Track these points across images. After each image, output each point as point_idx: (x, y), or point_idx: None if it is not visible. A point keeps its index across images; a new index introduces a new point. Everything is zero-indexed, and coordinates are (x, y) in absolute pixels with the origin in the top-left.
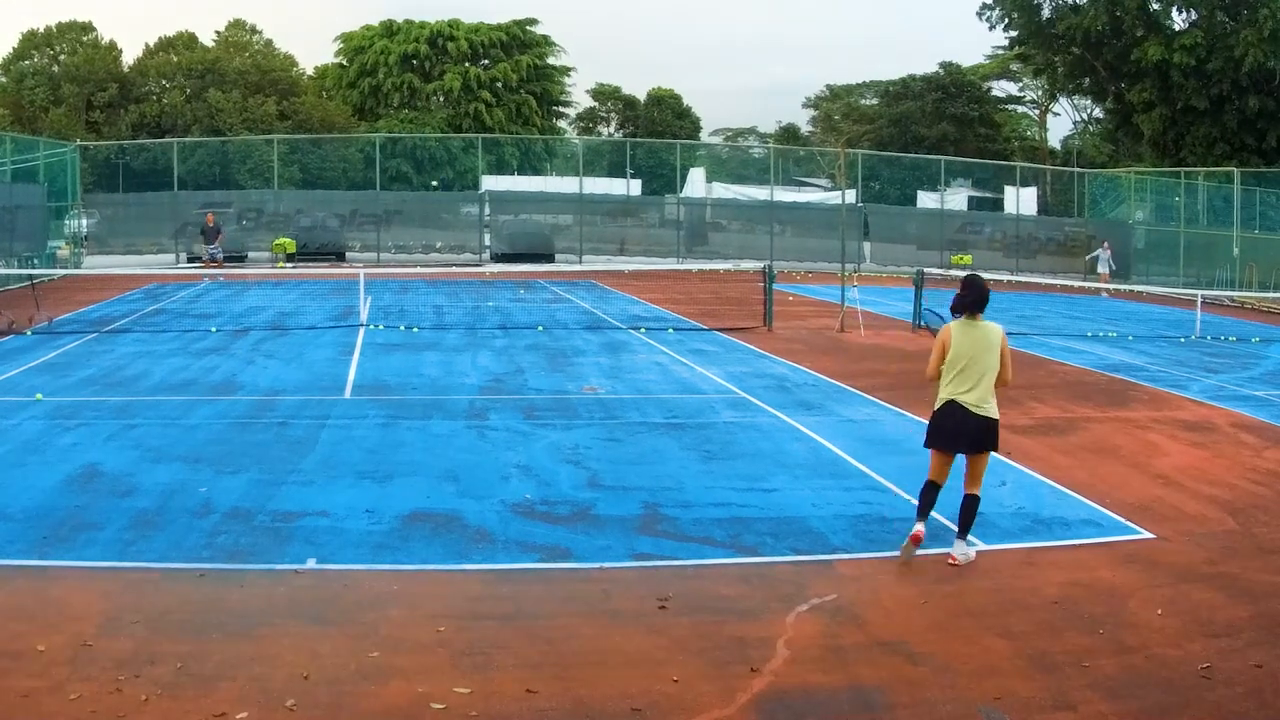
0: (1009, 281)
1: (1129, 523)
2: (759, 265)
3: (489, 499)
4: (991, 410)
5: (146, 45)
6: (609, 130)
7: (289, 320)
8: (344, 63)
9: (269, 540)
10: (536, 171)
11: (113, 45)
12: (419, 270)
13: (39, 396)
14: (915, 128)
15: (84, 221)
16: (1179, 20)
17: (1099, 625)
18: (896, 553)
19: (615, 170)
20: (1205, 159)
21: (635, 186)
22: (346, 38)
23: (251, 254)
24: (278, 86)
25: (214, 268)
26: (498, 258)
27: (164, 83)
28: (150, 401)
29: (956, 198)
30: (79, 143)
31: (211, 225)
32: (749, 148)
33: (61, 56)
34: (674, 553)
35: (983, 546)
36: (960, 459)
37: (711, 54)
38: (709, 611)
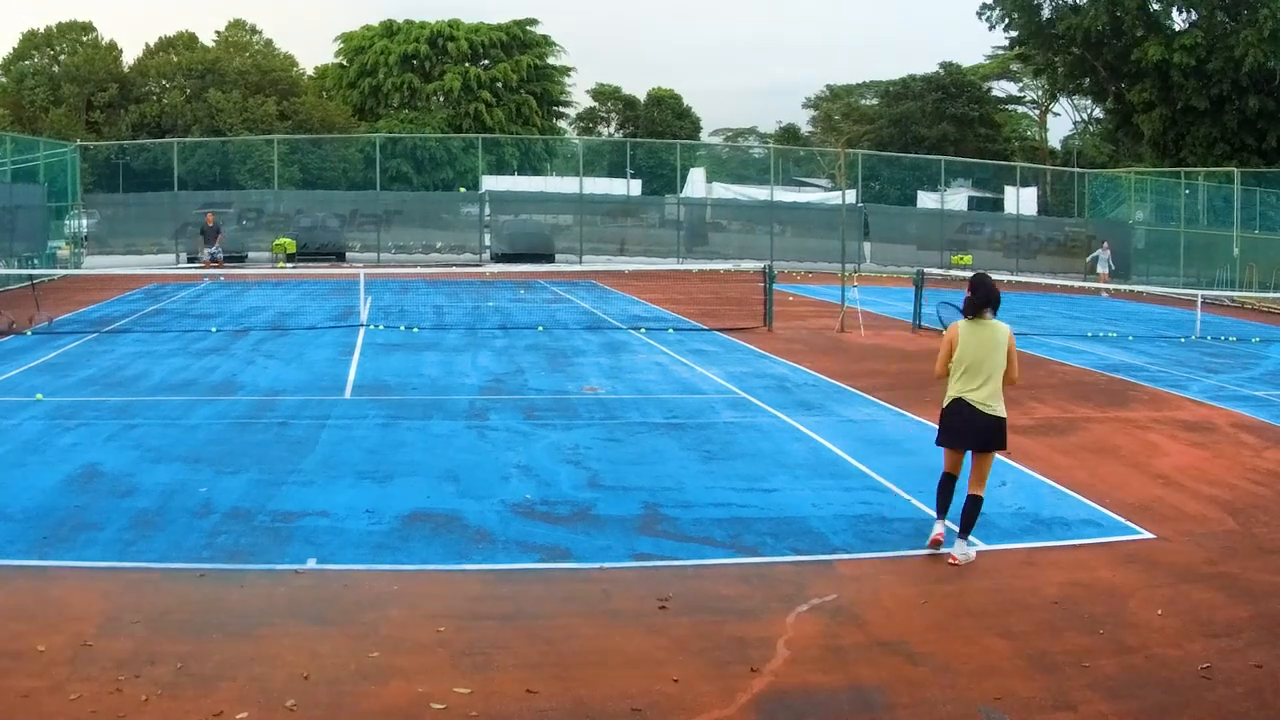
0: (1009, 282)
1: (1129, 523)
2: (759, 265)
3: (489, 499)
4: (999, 409)
5: (146, 45)
6: (609, 130)
7: (289, 320)
8: (344, 63)
9: (269, 540)
10: (536, 171)
11: (113, 45)
12: (419, 270)
13: (39, 396)
14: (915, 128)
15: (84, 221)
16: (1179, 20)
17: (1099, 625)
18: (896, 553)
19: (615, 170)
20: (1205, 159)
21: (635, 186)
22: (346, 38)
23: (251, 254)
24: (278, 86)
25: (214, 268)
26: (498, 258)
27: (164, 83)
28: (150, 401)
29: (956, 198)
30: (79, 143)
31: (211, 225)
32: (749, 148)
33: (61, 57)
34: (674, 553)
35: (983, 546)
36: (969, 456)
37: (711, 54)
38: (709, 611)
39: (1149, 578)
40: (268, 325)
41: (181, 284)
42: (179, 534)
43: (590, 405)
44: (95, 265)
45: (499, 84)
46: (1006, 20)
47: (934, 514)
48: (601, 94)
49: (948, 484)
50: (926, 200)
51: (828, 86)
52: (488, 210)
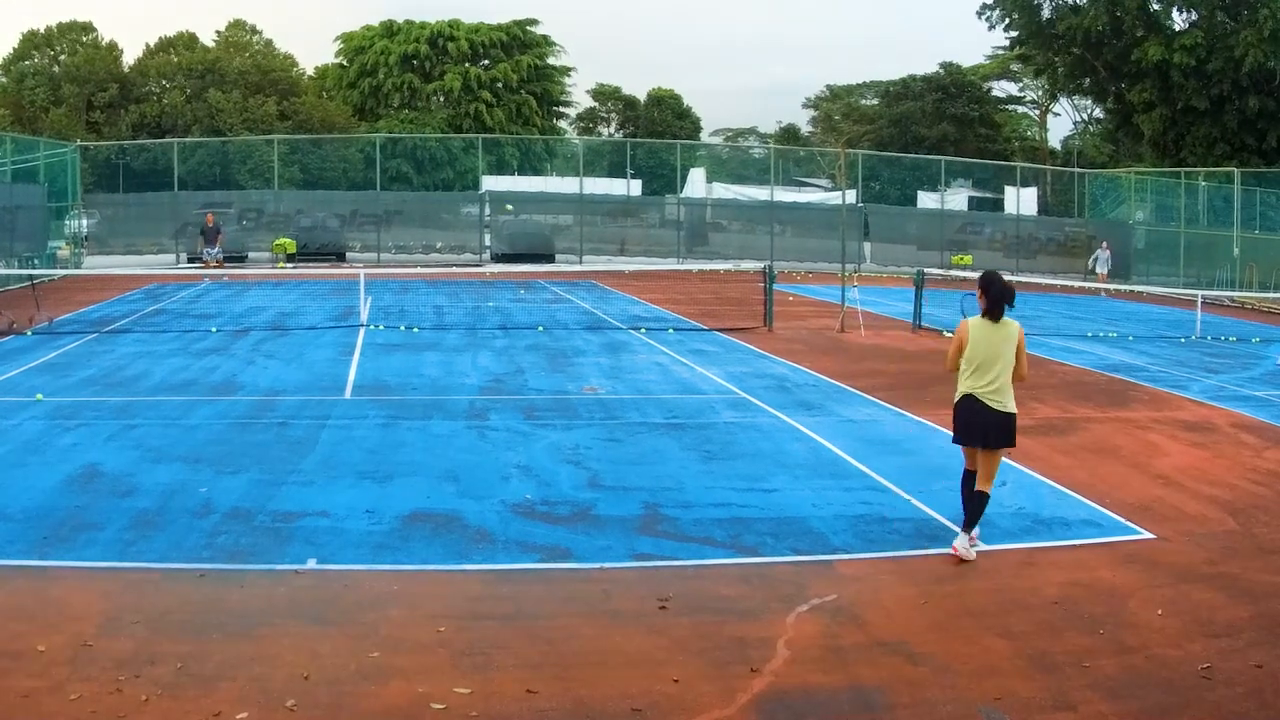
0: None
1: (1129, 523)
2: (759, 265)
3: (489, 499)
4: (1009, 404)
5: (147, 45)
6: (609, 130)
7: (289, 320)
8: (344, 63)
9: (269, 540)
10: (537, 172)
11: (113, 45)
12: (419, 270)
13: (39, 397)
14: (915, 128)
15: (84, 222)
16: (1179, 20)
17: (1099, 625)
18: (897, 553)
19: (615, 170)
20: (1205, 159)
21: (635, 187)
22: (346, 38)
23: (252, 254)
24: (278, 87)
25: (214, 268)
26: (498, 258)
27: (164, 83)
28: (150, 402)
29: (957, 198)
30: (79, 143)
31: (211, 225)
32: (749, 148)
33: (62, 57)
34: (674, 553)
35: (983, 546)
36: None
37: (711, 54)
38: (709, 612)
39: (1149, 578)
40: (268, 325)
41: (181, 284)
42: (179, 534)
43: (590, 405)
44: (95, 265)
45: (499, 84)
46: (1006, 20)
47: (934, 514)
48: (601, 94)
49: (971, 481)
50: (926, 200)
51: (828, 86)
52: (488, 210)
